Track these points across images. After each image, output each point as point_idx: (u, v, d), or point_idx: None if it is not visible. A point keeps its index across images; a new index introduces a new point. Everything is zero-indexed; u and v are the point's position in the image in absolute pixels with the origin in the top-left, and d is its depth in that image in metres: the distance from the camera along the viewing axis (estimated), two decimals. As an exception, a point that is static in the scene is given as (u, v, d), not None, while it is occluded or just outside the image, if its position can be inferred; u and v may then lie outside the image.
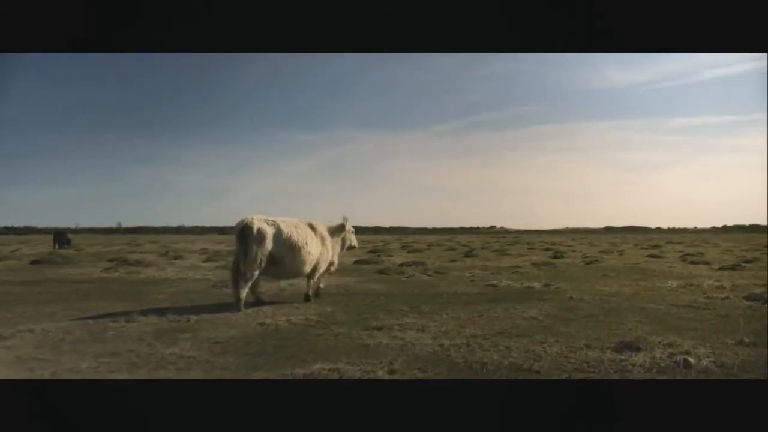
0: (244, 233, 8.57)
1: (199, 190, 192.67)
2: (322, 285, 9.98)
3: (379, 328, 6.70)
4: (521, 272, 14.65)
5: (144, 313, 7.75)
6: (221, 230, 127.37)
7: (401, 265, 16.17)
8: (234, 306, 8.32)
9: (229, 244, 42.66)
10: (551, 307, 8.41)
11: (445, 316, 7.65)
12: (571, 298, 9.42)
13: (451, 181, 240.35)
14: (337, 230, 10.04)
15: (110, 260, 19.47)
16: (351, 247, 10.61)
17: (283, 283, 10.79)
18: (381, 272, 14.22)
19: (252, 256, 8.44)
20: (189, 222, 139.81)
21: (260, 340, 6.21)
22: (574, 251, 26.61)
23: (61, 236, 32.42)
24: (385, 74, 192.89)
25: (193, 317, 7.60)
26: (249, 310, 8.21)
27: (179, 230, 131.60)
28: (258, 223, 8.64)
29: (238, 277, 8.52)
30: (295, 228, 8.98)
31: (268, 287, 10.62)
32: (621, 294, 9.96)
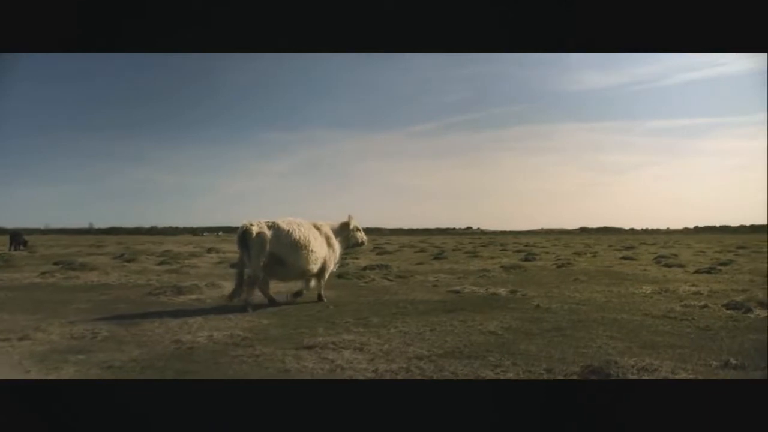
0: (244, 238, 8.68)
1: (175, 191, 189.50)
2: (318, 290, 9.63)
3: (310, 348, 5.74)
4: (489, 276, 13.78)
5: (49, 327, 6.76)
6: (194, 231, 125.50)
7: (364, 268, 15.20)
8: (242, 308, 8.31)
9: (196, 245, 41.43)
10: (514, 318, 7.53)
11: (392, 330, 6.73)
12: (537, 306, 8.55)
13: (427, 182, 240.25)
14: (341, 229, 9.99)
15: (56, 263, 18.15)
16: (360, 244, 10.56)
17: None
18: (340, 276, 13.16)
19: (254, 260, 8.58)
20: (162, 223, 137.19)
21: (163, 363, 5.22)
22: (547, 253, 25.93)
23: (16, 237, 30.79)
24: (362, 75, 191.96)
25: (103, 332, 6.63)
26: (175, 323, 7.21)
27: (151, 231, 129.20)
28: (257, 227, 8.70)
29: (241, 281, 8.73)
30: (297, 227, 8.98)
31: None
32: (592, 302, 9.12)
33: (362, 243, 10.57)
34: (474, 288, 10.89)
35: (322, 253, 9.24)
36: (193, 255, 24.63)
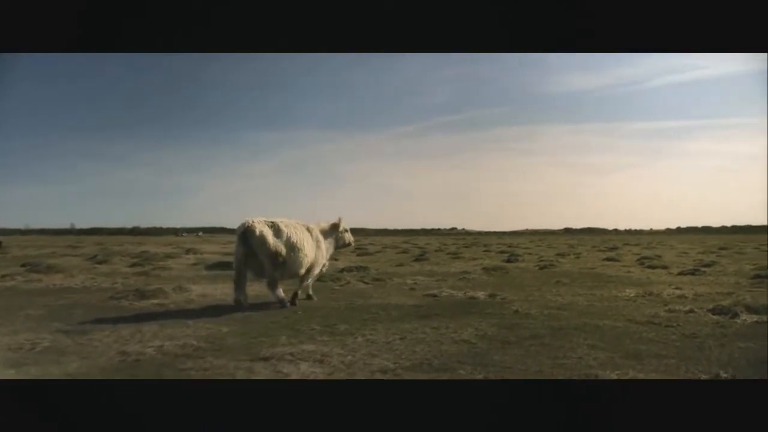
0: (246, 236, 8.62)
1: (160, 191, 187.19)
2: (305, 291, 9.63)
3: (266, 359, 5.26)
4: (469, 279, 13.35)
5: (-13, 336, 6.21)
6: (176, 231, 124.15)
7: (341, 270, 14.70)
8: (238, 308, 8.39)
9: (175, 246, 40.61)
10: (491, 324, 7.09)
11: (359, 338, 6.26)
12: (516, 312, 8.12)
13: (412, 182, 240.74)
14: (330, 231, 10.01)
15: (23, 265, 17.44)
16: (347, 245, 10.62)
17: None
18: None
19: (262, 258, 8.60)
20: (146, 223, 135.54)
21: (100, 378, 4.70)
22: (530, 254, 25.62)
23: (-9, 238, 29.96)
24: (348, 76, 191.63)
25: (45, 342, 6.10)
26: (128, 330, 6.70)
27: (134, 231, 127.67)
28: (260, 225, 8.68)
29: (240, 281, 8.64)
30: (294, 229, 8.99)
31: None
32: (573, 306, 8.72)
33: (349, 244, 10.66)
34: (452, 291, 10.46)
35: (311, 256, 9.23)
36: (168, 256, 23.96)
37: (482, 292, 10.18)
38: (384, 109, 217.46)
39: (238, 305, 8.54)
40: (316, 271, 9.58)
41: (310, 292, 9.63)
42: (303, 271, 9.14)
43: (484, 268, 16.07)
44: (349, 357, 5.37)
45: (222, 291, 10.85)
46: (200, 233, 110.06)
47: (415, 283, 12.25)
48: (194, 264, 19.50)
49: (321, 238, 9.65)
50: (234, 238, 9.02)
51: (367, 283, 12.29)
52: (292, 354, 5.38)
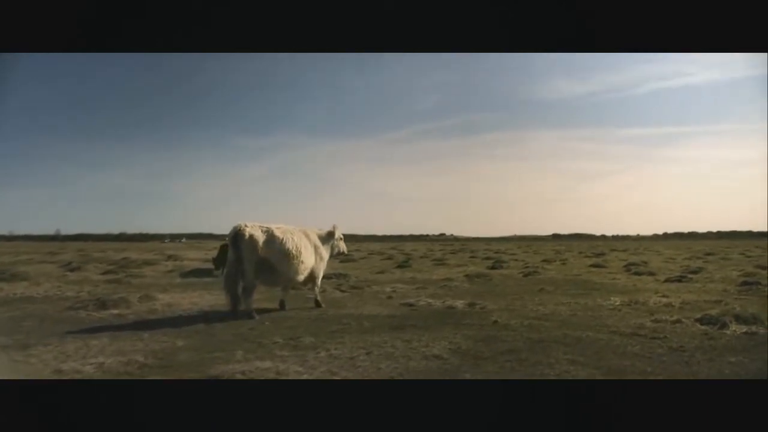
0: (236, 240, 8.45)
1: (147, 196, 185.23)
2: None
3: (215, 378, 4.77)
4: (450, 286, 12.89)
5: None
6: (162, 238, 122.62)
7: (320, 277, 14.21)
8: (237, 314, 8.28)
9: (158, 252, 39.83)
10: (466, 337, 6.64)
11: (322, 353, 5.78)
12: (495, 322, 7.68)
13: (402, 188, 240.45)
14: (327, 238, 9.84)
15: (-10, 273, 16.76)
16: (340, 254, 10.51)
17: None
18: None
19: (246, 264, 8.39)
20: (132, 229, 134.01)
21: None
22: (516, 260, 25.22)
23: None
24: (337, 81, 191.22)
25: (-23, 359, 5.53)
26: (73, 345, 6.19)
27: (120, 237, 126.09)
28: (251, 229, 8.51)
29: (231, 284, 8.46)
30: (290, 236, 8.84)
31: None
32: (555, 316, 8.28)
33: (343, 253, 10.57)
34: (430, 300, 10.01)
35: (310, 262, 9.12)
36: (147, 263, 23.33)
37: (461, 301, 9.73)
38: (374, 114, 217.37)
39: (233, 311, 8.40)
40: (320, 276, 9.56)
41: (318, 297, 9.53)
42: (300, 277, 8.99)
43: (466, 276, 15.63)
44: (306, 375, 4.90)
45: (191, 300, 10.37)
46: (183, 239, 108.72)
47: (394, 291, 11.78)
48: (170, 271, 18.96)
49: (319, 243, 9.53)
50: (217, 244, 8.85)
51: (343, 291, 11.84)
52: (243, 372, 4.91)
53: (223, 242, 19.39)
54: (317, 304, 9.36)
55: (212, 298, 10.65)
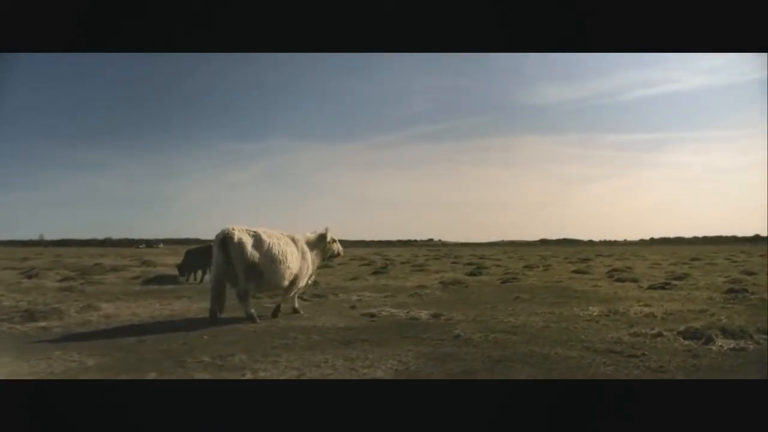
0: (224, 244, 8.27)
1: (133, 200, 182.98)
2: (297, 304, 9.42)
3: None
4: (421, 294, 12.10)
5: None
6: (149, 243, 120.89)
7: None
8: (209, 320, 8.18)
9: (133, 257, 38.77)
10: (418, 355, 5.87)
11: (248, 375, 5.00)
12: (456, 337, 6.92)
13: (390, 193, 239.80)
14: (317, 242, 9.67)
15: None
16: (335, 256, 10.48)
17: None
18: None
19: (237, 267, 8.23)
20: (116, 234, 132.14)
21: None
22: (498, 266, 24.53)
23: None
24: (326, 86, 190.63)
25: None
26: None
27: (105, 243, 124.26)
28: (239, 233, 8.33)
29: (221, 289, 8.38)
30: (277, 240, 8.65)
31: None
32: (525, 329, 7.52)
33: (339, 254, 10.46)
34: (394, 310, 9.21)
35: (295, 268, 8.90)
36: (114, 269, 22.42)
37: (426, 312, 8.94)
38: (362, 119, 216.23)
39: (213, 317, 8.26)
40: (302, 283, 9.27)
41: (296, 305, 9.33)
42: (286, 283, 8.78)
43: (441, 282, 14.88)
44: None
45: (133, 311, 9.53)
46: (161, 245, 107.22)
47: (359, 300, 11.00)
48: (136, 277, 18.13)
49: (307, 249, 9.29)
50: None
51: (305, 299, 11.00)
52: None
53: (188, 248, 18.60)
54: (294, 311, 9.18)
55: (160, 308, 9.85)
